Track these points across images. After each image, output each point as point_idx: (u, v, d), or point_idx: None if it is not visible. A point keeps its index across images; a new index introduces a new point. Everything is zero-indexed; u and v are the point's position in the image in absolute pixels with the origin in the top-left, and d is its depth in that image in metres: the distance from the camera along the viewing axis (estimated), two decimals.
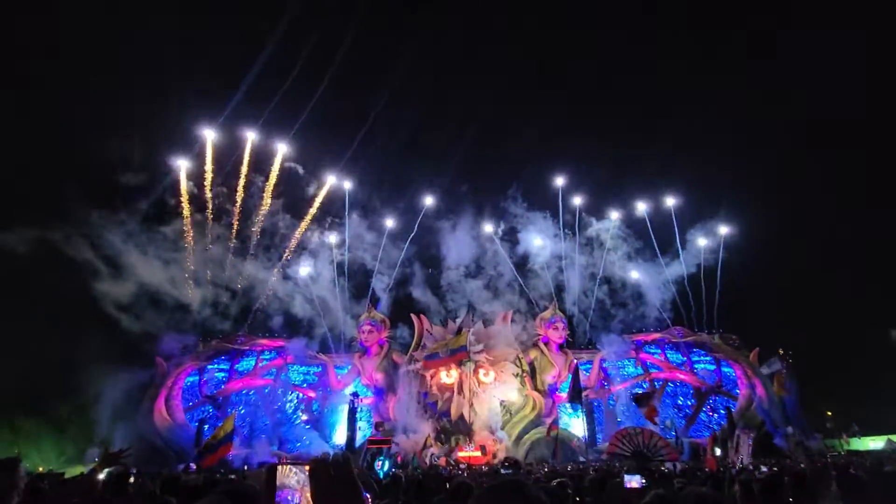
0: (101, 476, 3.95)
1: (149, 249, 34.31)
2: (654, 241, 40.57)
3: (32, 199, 36.78)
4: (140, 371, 31.32)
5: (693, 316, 38.45)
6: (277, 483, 1.55)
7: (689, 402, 35.50)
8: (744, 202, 43.75)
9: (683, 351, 36.69)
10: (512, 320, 35.60)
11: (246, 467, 26.94)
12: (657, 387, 34.88)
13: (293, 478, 1.57)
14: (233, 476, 12.64)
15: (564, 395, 33.89)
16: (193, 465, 23.70)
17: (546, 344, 35.38)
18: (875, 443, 30.57)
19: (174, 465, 26.38)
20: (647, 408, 24.40)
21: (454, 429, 31.08)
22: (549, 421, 30.93)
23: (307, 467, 1.43)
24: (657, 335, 37.14)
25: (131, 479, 4.40)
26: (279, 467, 1.57)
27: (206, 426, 30.47)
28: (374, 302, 37.19)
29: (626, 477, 5.39)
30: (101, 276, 32.26)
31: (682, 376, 35.97)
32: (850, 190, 47.67)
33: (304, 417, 33.95)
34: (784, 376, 22.65)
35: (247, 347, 35.02)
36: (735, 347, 35.72)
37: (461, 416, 31.26)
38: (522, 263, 41.16)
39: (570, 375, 29.72)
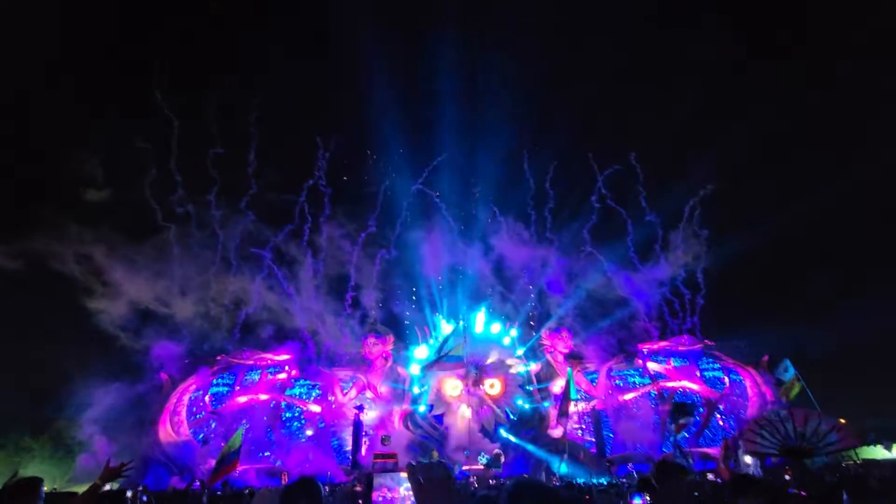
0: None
1: (137, 260, 34.59)
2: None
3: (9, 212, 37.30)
4: (132, 383, 31.14)
5: (674, 324, 38.27)
6: (375, 483, 1.90)
7: (699, 412, 34.90)
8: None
9: (691, 359, 36.23)
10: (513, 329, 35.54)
11: (248, 489, 26.65)
12: (665, 396, 34.37)
13: (388, 479, 1.89)
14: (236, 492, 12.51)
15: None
16: (198, 483, 23.49)
17: (552, 354, 35.11)
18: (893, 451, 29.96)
19: (166, 480, 26.20)
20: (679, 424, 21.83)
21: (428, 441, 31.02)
22: (555, 432, 30.56)
23: (403, 473, 1.76)
24: (664, 343, 36.73)
25: (129, 494, 4.34)
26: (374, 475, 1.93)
27: (210, 443, 30.26)
28: (365, 315, 37.41)
29: (631, 497, 5.59)
30: (89, 288, 32.48)
31: (690, 385, 35.45)
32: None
33: (310, 433, 33.65)
34: (798, 379, 21.68)
35: (251, 362, 34.92)
36: (744, 354, 35.27)
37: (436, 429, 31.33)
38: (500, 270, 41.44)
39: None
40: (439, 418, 32.15)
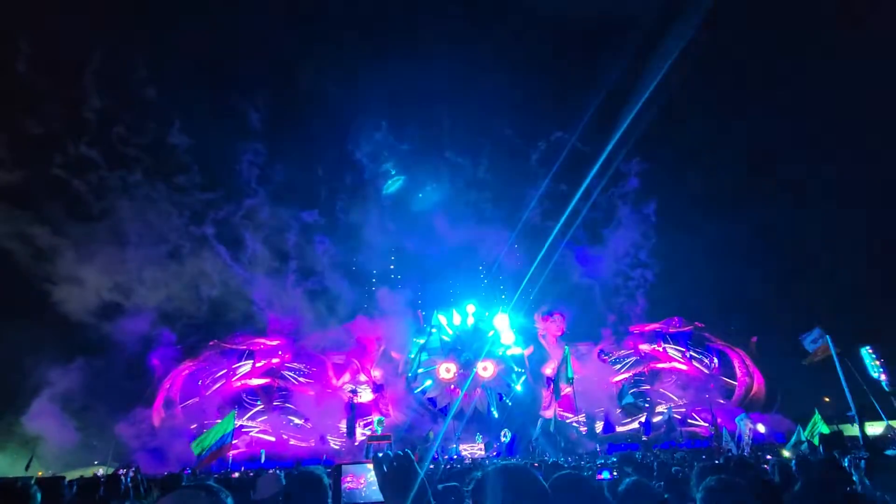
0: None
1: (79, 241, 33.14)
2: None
3: None
4: (94, 365, 30.33)
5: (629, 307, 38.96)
6: (343, 470, 2.01)
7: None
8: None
9: (681, 341, 36.73)
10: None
11: (252, 473, 26.78)
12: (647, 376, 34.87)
13: (353, 468, 2.01)
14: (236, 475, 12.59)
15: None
16: (189, 470, 23.54)
17: (544, 337, 35.49)
18: (874, 429, 30.67)
19: (158, 466, 26.21)
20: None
21: None
22: (547, 413, 31.03)
23: (369, 464, 1.86)
24: (656, 326, 37.18)
25: (124, 479, 4.34)
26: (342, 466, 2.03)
27: (204, 428, 30.34)
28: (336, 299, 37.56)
29: (599, 471, 5.85)
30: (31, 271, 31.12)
31: (680, 367, 36.04)
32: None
33: (304, 419, 33.83)
34: (828, 347, 21.34)
35: (244, 347, 34.87)
36: (733, 334, 35.84)
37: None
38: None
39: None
40: (433, 400, 32.52)
